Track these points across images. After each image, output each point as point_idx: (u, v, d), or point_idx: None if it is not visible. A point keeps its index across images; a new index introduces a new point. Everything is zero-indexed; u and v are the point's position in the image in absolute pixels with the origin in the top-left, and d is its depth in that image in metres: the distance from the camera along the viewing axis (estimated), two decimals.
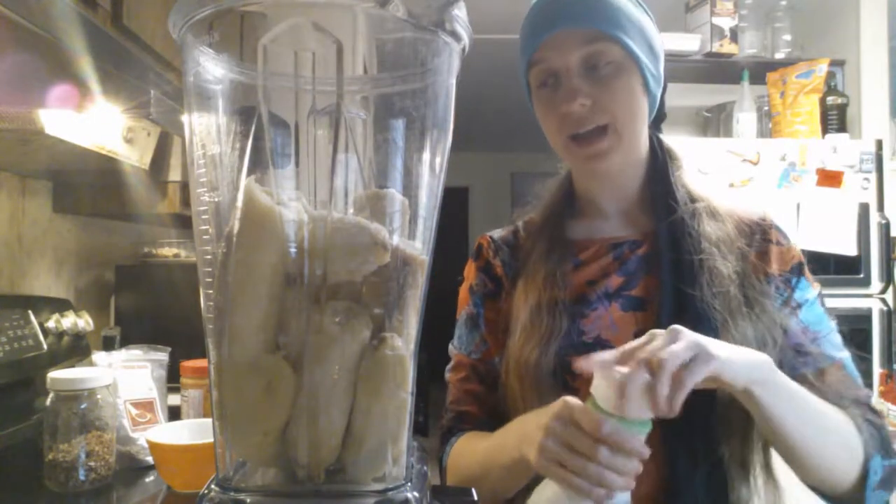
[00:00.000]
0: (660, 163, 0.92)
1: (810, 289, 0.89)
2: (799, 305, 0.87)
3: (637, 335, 0.80)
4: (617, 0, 0.83)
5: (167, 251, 1.98)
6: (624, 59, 0.83)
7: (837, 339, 0.87)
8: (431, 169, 0.52)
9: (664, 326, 0.76)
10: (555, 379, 0.82)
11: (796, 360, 0.83)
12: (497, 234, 1.01)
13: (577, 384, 0.81)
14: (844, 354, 0.86)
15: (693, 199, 0.89)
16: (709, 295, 0.81)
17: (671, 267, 0.84)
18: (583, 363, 0.67)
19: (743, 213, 0.90)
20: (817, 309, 0.88)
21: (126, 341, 1.61)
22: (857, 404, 0.82)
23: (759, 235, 0.89)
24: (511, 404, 0.87)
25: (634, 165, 0.91)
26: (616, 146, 0.84)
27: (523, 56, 0.88)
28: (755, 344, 0.79)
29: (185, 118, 0.51)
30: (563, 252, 0.89)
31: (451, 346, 1.00)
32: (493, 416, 0.91)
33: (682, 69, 2.68)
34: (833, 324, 0.89)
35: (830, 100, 2.57)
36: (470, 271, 0.99)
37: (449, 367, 0.99)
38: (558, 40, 0.83)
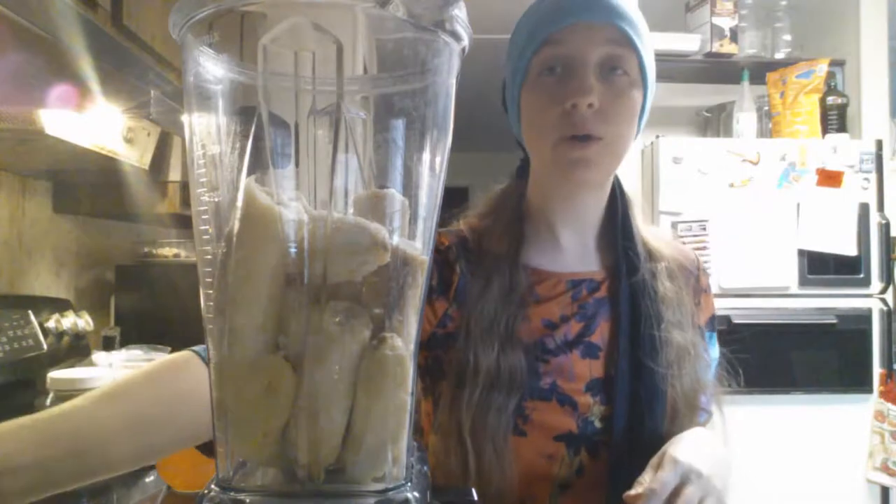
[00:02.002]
0: (619, 204, 0.90)
1: (716, 345, 0.92)
2: (709, 363, 0.89)
3: (590, 387, 0.82)
4: (640, 17, 0.82)
5: (167, 251, 1.98)
6: (637, 75, 0.81)
7: (712, 394, 0.91)
8: (431, 169, 0.52)
9: (620, 391, 0.81)
10: (508, 426, 0.80)
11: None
12: (452, 237, 0.92)
13: (526, 427, 0.81)
14: (713, 409, 0.90)
15: (651, 257, 0.88)
16: (664, 368, 0.82)
17: (629, 335, 0.84)
18: None
19: (682, 257, 0.91)
20: (716, 368, 0.91)
21: (126, 341, 1.62)
22: None
23: (694, 280, 0.91)
24: (459, 459, 0.81)
25: (599, 195, 0.89)
26: (603, 159, 0.81)
27: (532, 38, 0.82)
28: (691, 404, 0.83)
29: (185, 118, 0.51)
30: (522, 293, 0.85)
31: None
32: None
33: (682, 69, 2.68)
34: (715, 379, 0.91)
35: (830, 100, 2.57)
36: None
37: None
38: (584, 29, 0.79)
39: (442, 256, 0.90)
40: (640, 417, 0.80)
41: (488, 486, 0.78)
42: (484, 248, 0.89)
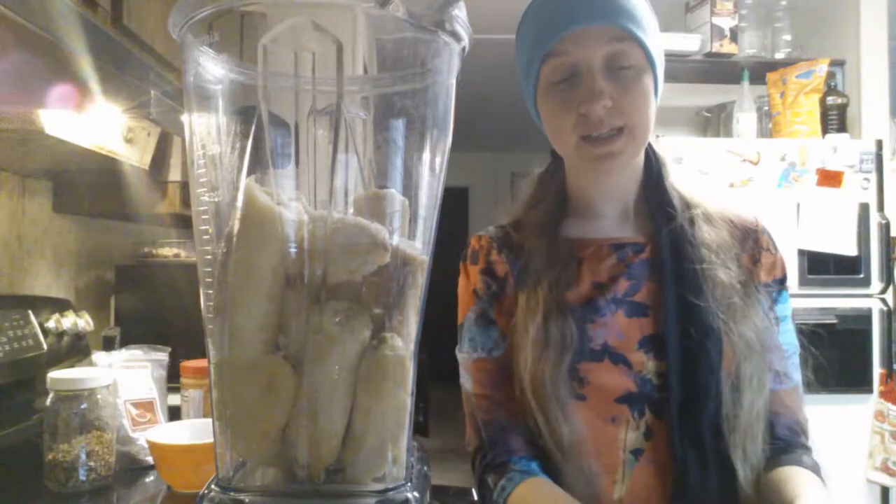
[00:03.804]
0: (654, 168, 0.92)
1: (789, 304, 0.91)
2: (778, 321, 0.88)
3: (642, 344, 0.83)
4: (639, 1, 0.83)
5: (167, 251, 1.98)
6: (644, 63, 0.82)
7: (798, 360, 0.89)
8: (431, 169, 0.52)
9: (670, 336, 0.81)
10: (566, 389, 0.82)
11: (769, 371, 0.84)
12: (492, 232, 0.97)
13: (585, 391, 0.82)
14: (799, 378, 0.89)
15: (688, 206, 0.90)
16: (713, 305, 0.81)
17: (674, 276, 0.84)
18: None
19: (735, 217, 0.91)
20: (792, 327, 0.90)
21: (126, 341, 1.61)
22: (804, 434, 0.87)
23: (752, 240, 0.90)
24: (531, 422, 0.84)
25: (634, 169, 0.91)
26: (629, 147, 0.83)
27: (536, 48, 0.84)
28: (754, 347, 0.81)
29: (185, 118, 0.51)
30: (565, 256, 0.88)
31: (461, 354, 0.92)
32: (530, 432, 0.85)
33: (682, 69, 2.68)
34: (798, 343, 0.90)
35: (830, 100, 2.57)
36: (469, 275, 0.94)
37: (468, 383, 0.90)
38: (583, 35, 0.81)
39: (482, 265, 0.94)
40: (694, 358, 0.80)
41: (560, 444, 0.80)
42: (526, 232, 0.93)
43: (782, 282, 0.91)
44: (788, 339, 0.88)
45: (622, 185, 0.91)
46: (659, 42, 0.85)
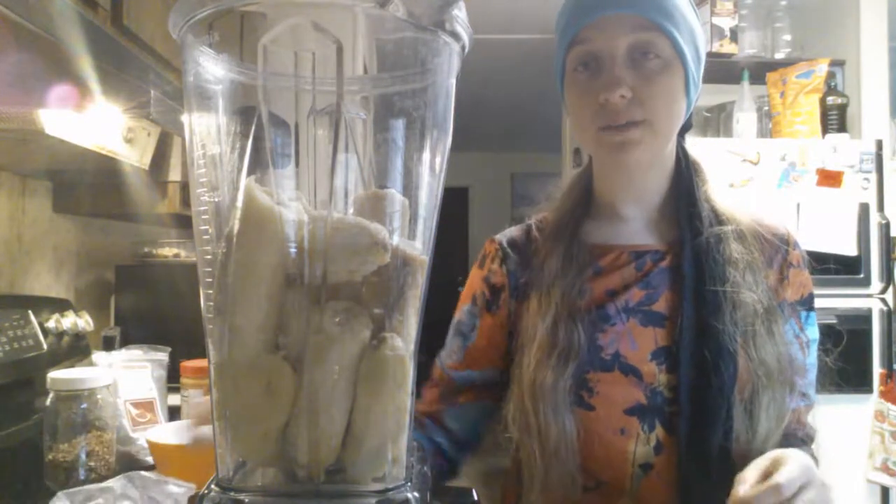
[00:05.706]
0: (684, 174, 0.89)
1: (816, 327, 0.89)
2: (808, 344, 0.87)
3: (655, 355, 0.81)
4: None
5: (167, 251, 1.98)
6: (671, 55, 0.80)
7: (815, 377, 0.89)
8: (431, 169, 0.52)
9: (683, 352, 0.79)
10: (570, 396, 0.80)
11: (789, 395, 0.83)
12: (507, 236, 0.95)
13: (593, 401, 0.81)
14: (815, 395, 0.90)
15: (719, 219, 0.86)
16: (731, 328, 0.79)
17: (693, 293, 0.82)
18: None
19: (766, 231, 0.88)
20: (816, 350, 0.89)
21: (126, 341, 1.61)
22: (811, 442, 0.89)
23: (781, 255, 0.87)
24: (522, 424, 0.82)
25: (660, 170, 0.88)
26: (648, 140, 0.81)
27: (564, 35, 0.83)
28: (773, 376, 0.80)
29: (185, 118, 0.51)
30: (581, 262, 0.86)
31: (443, 352, 0.95)
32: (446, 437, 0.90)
33: None
34: (816, 362, 0.90)
35: (830, 100, 2.57)
36: (474, 279, 0.95)
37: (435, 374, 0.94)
38: (607, 23, 0.79)
39: (485, 272, 0.93)
40: (706, 377, 0.78)
41: (545, 447, 0.78)
42: (546, 233, 0.91)
43: (810, 302, 0.89)
44: (814, 362, 0.88)
45: (646, 188, 0.89)
46: (694, 38, 0.82)
